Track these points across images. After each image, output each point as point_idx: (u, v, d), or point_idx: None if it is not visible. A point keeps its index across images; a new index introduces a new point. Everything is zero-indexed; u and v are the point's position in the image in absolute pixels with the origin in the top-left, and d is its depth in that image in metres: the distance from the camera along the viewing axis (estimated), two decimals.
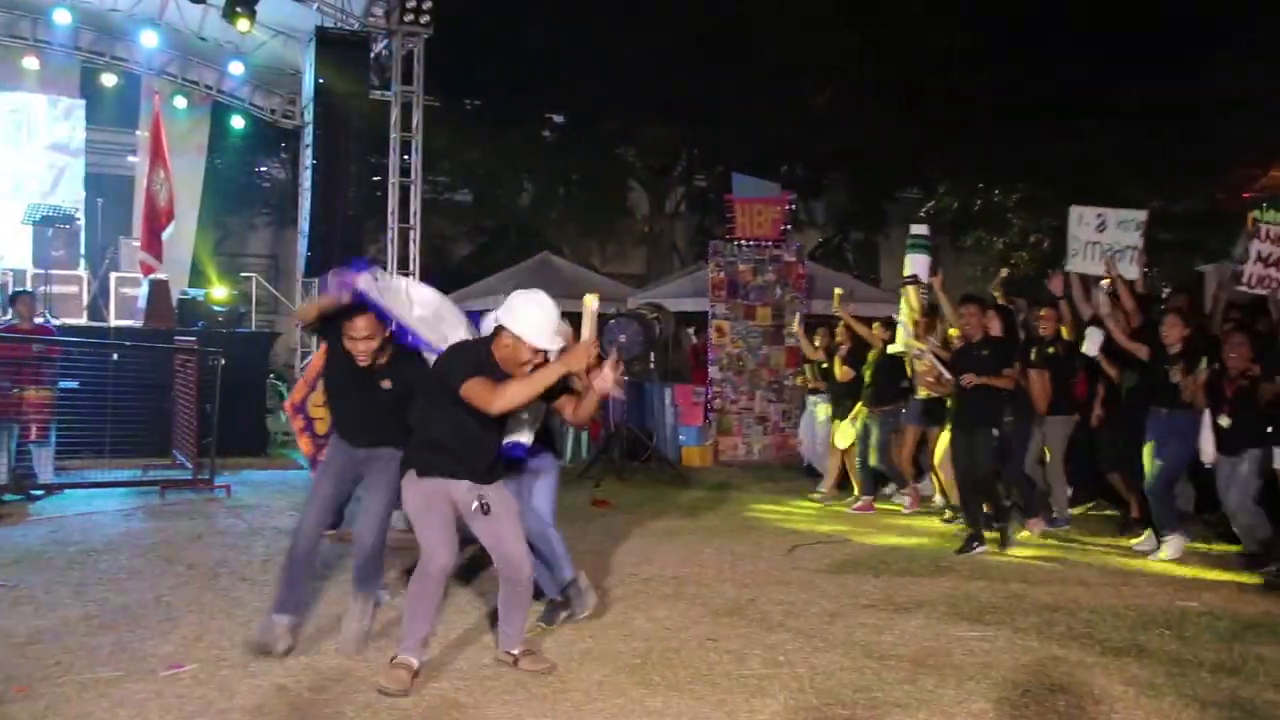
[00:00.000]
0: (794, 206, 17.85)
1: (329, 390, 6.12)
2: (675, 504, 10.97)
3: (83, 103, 17.98)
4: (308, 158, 16.56)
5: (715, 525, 9.84)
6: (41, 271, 14.23)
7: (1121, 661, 5.76)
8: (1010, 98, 21.39)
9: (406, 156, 16.69)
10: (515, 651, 5.52)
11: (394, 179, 16.57)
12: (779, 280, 15.03)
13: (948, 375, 9.08)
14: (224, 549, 8.27)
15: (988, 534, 8.70)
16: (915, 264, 11.03)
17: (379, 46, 16.48)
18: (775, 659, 5.71)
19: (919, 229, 11.26)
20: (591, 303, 5.07)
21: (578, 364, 5.06)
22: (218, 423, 11.05)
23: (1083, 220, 10.56)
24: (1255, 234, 9.82)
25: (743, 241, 15.20)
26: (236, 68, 18.06)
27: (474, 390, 4.99)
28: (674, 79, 22.32)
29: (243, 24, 14.92)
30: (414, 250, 16.37)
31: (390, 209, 16.54)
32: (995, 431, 8.55)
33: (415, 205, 16.65)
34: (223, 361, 11.23)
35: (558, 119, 26.62)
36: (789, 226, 15.98)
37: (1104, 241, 10.24)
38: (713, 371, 14.89)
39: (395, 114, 16.44)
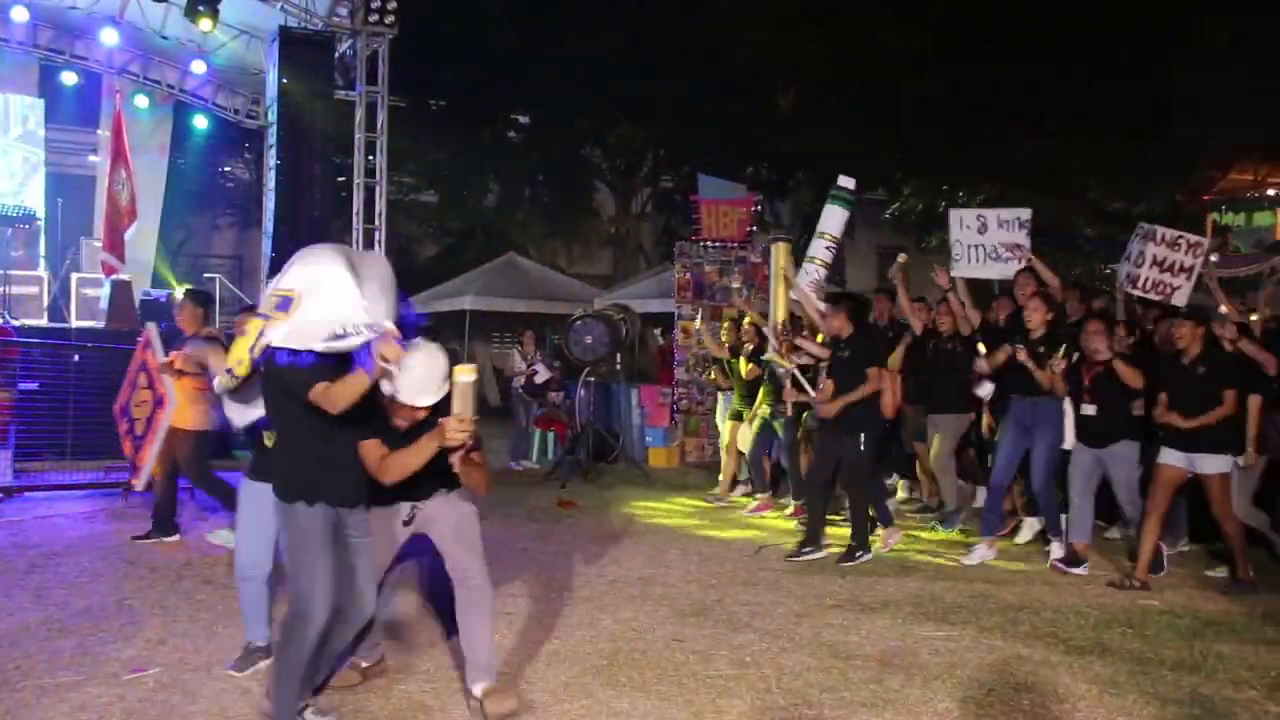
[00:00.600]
0: (759, 208, 17.90)
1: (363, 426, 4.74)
2: (641, 505, 10.97)
3: (41, 101, 17.77)
4: (272, 158, 16.50)
5: (681, 526, 9.85)
6: (0, 271, 14.12)
7: (1085, 660, 5.81)
8: (979, 99, 21.50)
9: (371, 157, 16.66)
10: (478, 692, 4.94)
11: (359, 179, 16.55)
12: (745, 281, 15.05)
13: (812, 394, 9.00)
14: (187, 551, 8.20)
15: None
16: (830, 217, 10.69)
17: (343, 47, 16.43)
18: (742, 659, 5.73)
19: (845, 181, 10.92)
20: (462, 376, 4.66)
21: (450, 440, 4.63)
22: None
23: (963, 224, 10.27)
24: (1150, 238, 9.76)
25: (708, 242, 15.21)
26: (199, 67, 17.92)
27: (366, 453, 4.73)
28: (640, 80, 22.33)
29: (205, 23, 14.84)
30: (379, 248, 16.33)
31: (355, 209, 16.52)
32: (863, 436, 8.26)
33: (380, 206, 16.63)
34: None
35: (523, 120, 26.58)
36: (754, 228, 16.00)
37: (986, 243, 9.99)
38: (679, 372, 14.88)
39: (360, 114, 16.41)
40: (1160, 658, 5.87)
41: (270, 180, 16.63)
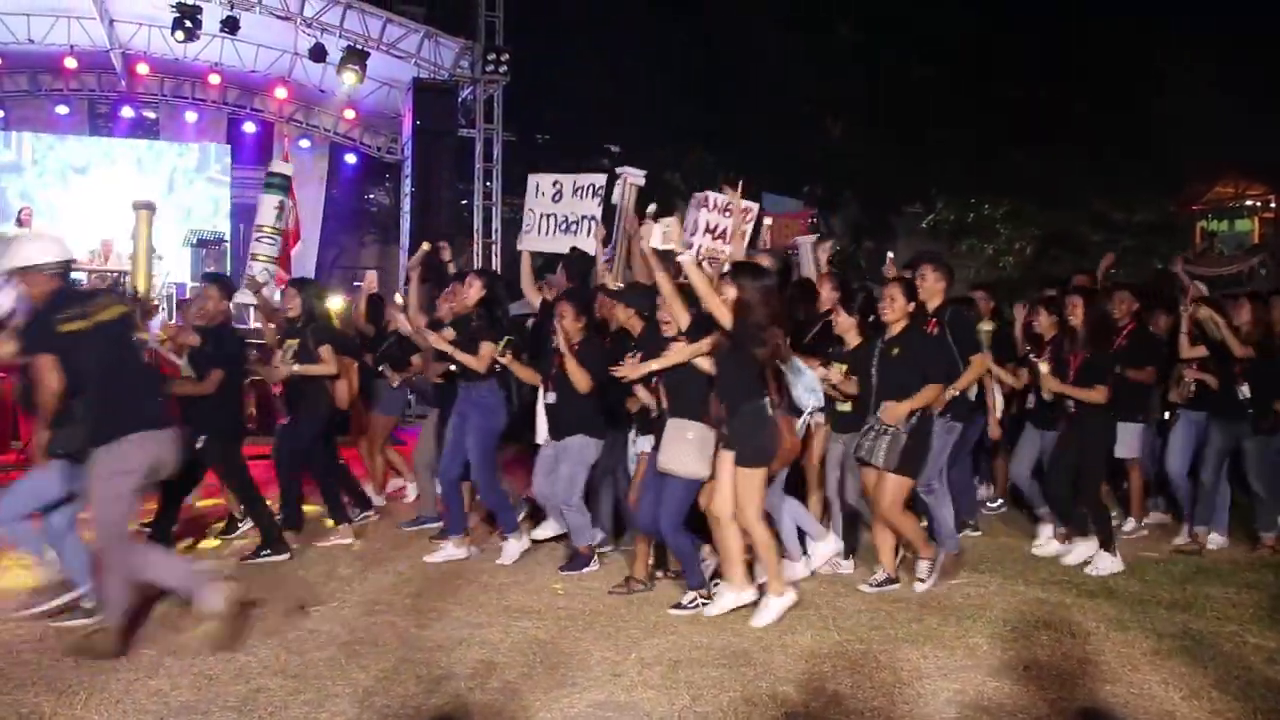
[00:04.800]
0: (815, 220, 17.71)
1: None
2: None
3: (229, 146, 18.48)
4: (407, 186, 16.74)
5: None
6: (198, 284, 14.52)
7: (1094, 602, 5.70)
8: (998, 125, 21.06)
9: (488, 184, 16.88)
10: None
11: (478, 202, 16.80)
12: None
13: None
14: None
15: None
16: (265, 206, 9.53)
17: (465, 93, 16.62)
18: (804, 602, 5.67)
19: (279, 166, 8.01)
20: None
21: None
22: None
23: (539, 190, 7.97)
24: (704, 204, 7.42)
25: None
26: (349, 113, 18.29)
27: None
28: (711, 114, 22.29)
29: (352, 78, 15.15)
30: (496, 260, 16.53)
31: (475, 227, 16.76)
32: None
33: (496, 223, 16.82)
34: None
35: (614, 149, 26.60)
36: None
37: (559, 212, 7.78)
38: None
39: (479, 148, 16.61)
40: (1157, 599, 5.76)
41: (406, 204, 16.87)
